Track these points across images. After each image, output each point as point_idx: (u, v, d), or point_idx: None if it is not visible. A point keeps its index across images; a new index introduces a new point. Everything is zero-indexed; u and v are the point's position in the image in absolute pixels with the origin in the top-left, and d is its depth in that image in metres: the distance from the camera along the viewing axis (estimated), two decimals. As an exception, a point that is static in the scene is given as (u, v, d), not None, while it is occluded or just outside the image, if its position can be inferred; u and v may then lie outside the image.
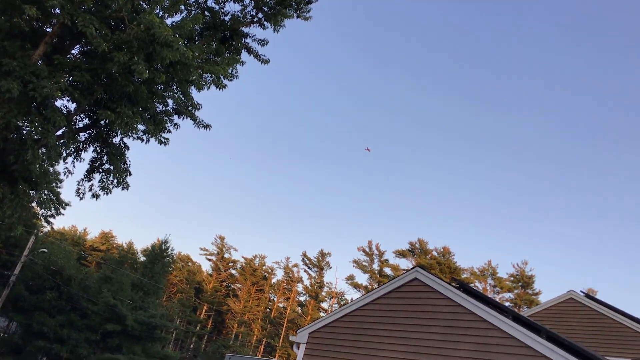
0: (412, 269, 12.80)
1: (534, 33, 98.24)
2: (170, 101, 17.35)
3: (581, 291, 21.43)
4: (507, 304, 61.82)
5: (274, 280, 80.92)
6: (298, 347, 13.71)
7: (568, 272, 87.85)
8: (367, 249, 69.48)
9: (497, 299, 62.99)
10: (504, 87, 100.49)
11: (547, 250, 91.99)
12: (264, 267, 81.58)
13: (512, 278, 63.50)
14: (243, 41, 18.75)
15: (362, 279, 71.29)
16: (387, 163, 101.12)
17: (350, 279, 70.14)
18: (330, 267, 75.21)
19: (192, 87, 17.04)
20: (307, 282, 75.59)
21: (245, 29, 18.55)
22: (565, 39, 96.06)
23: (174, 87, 16.91)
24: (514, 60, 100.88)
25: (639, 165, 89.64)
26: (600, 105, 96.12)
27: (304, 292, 75.98)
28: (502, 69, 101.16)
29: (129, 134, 16.46)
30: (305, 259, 74.62)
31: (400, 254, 67.82)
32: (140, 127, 16.35)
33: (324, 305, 73.06)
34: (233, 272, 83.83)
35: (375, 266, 68.85)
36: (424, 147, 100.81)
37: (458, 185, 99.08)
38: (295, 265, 77.49)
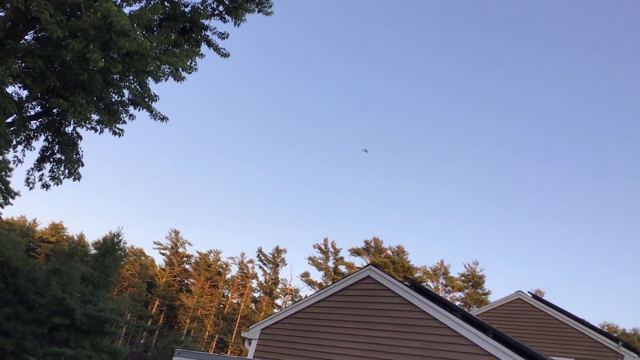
0: (365, 267, 12.91)
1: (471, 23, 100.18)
2: (126, 92, 17.03)
3: (529, 292, 22.03)
4: (457, 303, 62.97)
5: (228, 276, 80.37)
6: (250, 343, 13.67)
7: (518, 273, 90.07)
8: (323, 247, 69.72)
9: (448, 298, 64.11)
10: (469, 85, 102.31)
11: (498, 251, 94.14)
12: (219, 263, 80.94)
13: (463, 278, 64.72)
14: (203, 34, 18.54)
15: (317, 276, 71.37)
16: (344, 161, 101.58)
17: (305, 276, 70.26)
18: (286, 264, 75.24)
19: (150, 78, 16.77)
20: (261, 279, 75.37)
21: (206, 22, 18.35)
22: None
23: (131, 77, 16.60)
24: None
25: (585, 168, 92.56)
26: (549, 113, 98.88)
27: (258, 289, 75.71)
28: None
29: (82, 123, 16.11)
30: (260, 255, 74.38)
31: (356, 252, 68.30)
32: (94, 117, 16.01)
33: (278, 302, 73.02)
34: (187, 267, 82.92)
35: (331, 264, 69.16)
36: (382, 147, 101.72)
37: (414, 185, 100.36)
38: (251, 261, 77.17)
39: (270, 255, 74.11)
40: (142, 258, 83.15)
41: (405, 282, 14.04)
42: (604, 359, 18.89)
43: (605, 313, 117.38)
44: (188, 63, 17.52)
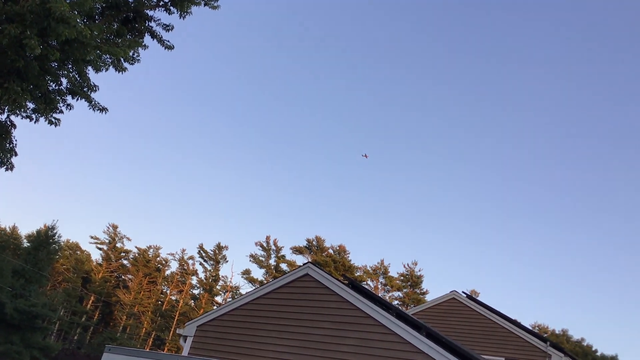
0: (304, 264, 13.00)
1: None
2: (64, 80, 16.51)
3: (463, 292, 22.63)
4: (396, 302, 64.02)
5: (167, 272, 79.07)
6: (185, 340, 13.54)
7: (456, 274, 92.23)
8: (265, 244, 69.50)
9: (387, 297, 65.11)
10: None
11: (437, 252, 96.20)
12: (158, 259, 79.47)
13: (402, 277, 65.83)
14: (147, 24, 18.16)
15: (258, 274, 71.10)
16: (287, 158, 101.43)
17: (247, 273, 69.87)
18: (227, 261, 74.65)
19: (90, 68, 16.32)
20: (202, 275, 74.46)
21: (150, 12, 17.98)
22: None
23: (70, 65, 16.12)
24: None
25: (518, 171, 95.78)
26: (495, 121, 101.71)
27: (198, 286, 74.79)
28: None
29: (17, 111, 15.51)
30: (201, 251, 73.47)
31: (297, 250, 68.42)
32: (30, 105, 15.45)
33: (218, 299, 72.33)
34: (125, 262, 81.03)
35: (272, 262, 69.03)
36: (325, 144, 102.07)
37: (357, 183, 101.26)
38: (191, 258, 76.07)
39: (212, 252, 73.36)
40: (78, 253, 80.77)
41: (344, 281, 14.22)
42: (533, 358, 19.60)
43: (537, 314, 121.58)
44: (130, 54, 17.12)
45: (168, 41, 18.59)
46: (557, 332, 68.57)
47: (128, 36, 17.76)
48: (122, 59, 16.56)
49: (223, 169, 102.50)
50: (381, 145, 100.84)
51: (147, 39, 18.40)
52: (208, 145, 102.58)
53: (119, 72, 16.89)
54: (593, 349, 65.43)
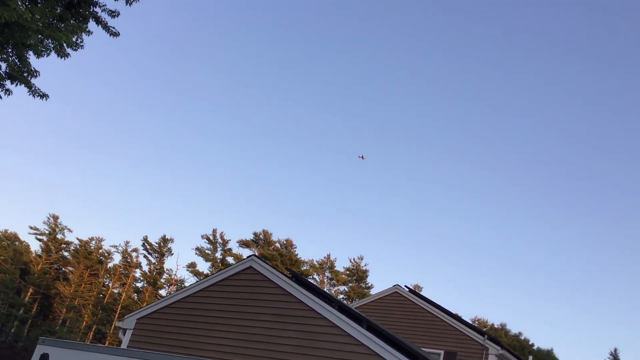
0: (248, 257, 12.99)
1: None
2: (3, 65, 15.93)
3: (406, 286, 23.06)
4: (341, 296, 64.60)
5: (110, 265, 77.31)
6: (124, 333, 13.32)
7: (401, 268, 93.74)
8: (212, 237, 68.81)
9: (333, 292, 65.61)
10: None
11: (383, 246, 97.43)
12: (101, 251, 77.60)
13: (348, 272, 66.46)
14: (92, 9, 17.70)
15: (204, 267, 70.52)
16: (235, 151, 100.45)
17: (192, 266, 69.04)
18: (172, 254, 73.39)
19: (30, 52, 15.81)
20: (146, 268, 73.12)
21: (95, -2, 17.53)
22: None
23: (9, 49, 15.57)
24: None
25: (462, 169, 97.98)
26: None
27: (142, 279, 73.44)
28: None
29: (-48, 95, 14.89)
30: (146, 244, 72.08)
31: (244, 244, 68.07)
32: (-34, 89, 14.85)
33: (162, 292, 71.21)
34: (66, 254, 78.78)
35: (219, 255, 68.45)
36: (274, 137, 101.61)
37: (305, 178, 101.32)
38: (135, 250, 74.52)
39: (156, 245, 72.12)
40: (16, 243, 78.07)
41: (287, 274, 14.27)
42: (471, 351, 20.17)
43: (478, 309, 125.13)
44: (74, 39, 16.66)
45: (113, 27, 18.16)
46: (496, 326, 70.63)
47: (72, 21, 17.28)
48: (65, 44, 16.12)
49: (169, 159, 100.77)
50: (332, 143, 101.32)
51: (92, 25, 17.96)
52: (154, 134, 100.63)
53: (61, 57, 16.42)
54: (530, 342, 67.73)
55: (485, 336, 20.32)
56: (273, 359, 11.22)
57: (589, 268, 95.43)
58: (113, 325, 67.21)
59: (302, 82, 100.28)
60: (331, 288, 66.37)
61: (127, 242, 75.88)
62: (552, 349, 65.57)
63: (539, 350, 64.75)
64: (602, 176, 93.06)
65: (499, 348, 19.81)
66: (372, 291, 61.95)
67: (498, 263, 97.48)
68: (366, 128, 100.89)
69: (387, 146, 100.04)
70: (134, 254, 75.23)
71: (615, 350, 72.73)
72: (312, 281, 64.27)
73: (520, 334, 70.08)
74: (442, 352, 20.38)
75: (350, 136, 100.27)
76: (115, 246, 76.75)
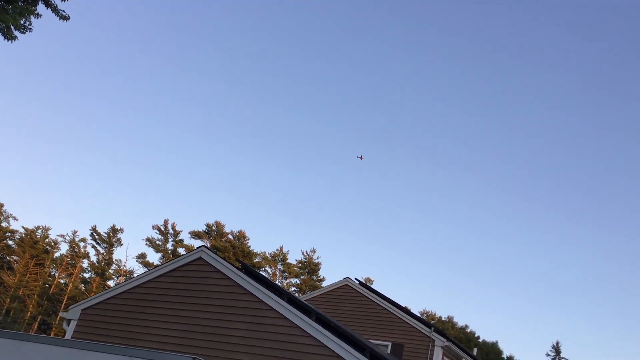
0: (197, 248, 12.89)
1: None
2: (-56, 45, 15.33)
3: (356, 279, 23.30)
4: (293, 289, 64.76)
5: (57, 255, 75.35)
6: (68, 324, 13.04)
7: (353, 261, 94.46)
8: (163, 228, 67.86)
9: (285, 284, 65.70)
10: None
11: (336, 240, 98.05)
12: (47, 240, 75.53)
13: (300, 264, 66.65)
14: (40, -9, 17.19)
15: (155, 258, 69.16)
16: (188, 141, 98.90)
17: (142, 257, 67.98)
18: (122, 244, 72.06)
19: (-26, 34, 15.24)
20: (94, 259, 71.60)
21: (44, -20, 17.03)
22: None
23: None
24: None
25: (414, 166, 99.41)
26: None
27: (89, 269, 71.88)
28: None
29: None
30: (94, 233, 70.50)
31: (196, 235, 67.41)
32: None
33: (111, 283, 69.80)
34: (10, 242, 76.35)
35: (170, 246, 67.59)
36: (228, 127, 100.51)
37: (259, 171, 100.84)
38: (83, 240, 72.85)
39: (105, 235, 70.68)
40: (-43, 232, 75.27)
41: (237, 265, 14.23)
42: (418, 343, 20.57)
43: (426, 301, 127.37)
44: (22, 22, 16.17)
45: (63, 11, 17.69)
46: (443, 318, 72.08)
47: (20, 3, 16.75)
48: (12, 27, 15.61)
49: (120, 148, 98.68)
50: (286, 136, 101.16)
51: (41, 8, 17.45)
52: (104, 121, 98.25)
53: (8, 40, 15.90)
54: (476, 335, 69.43)
55: (432, 328, 20.74)
56: (221, 350, 11.19)
57: (533, 263, 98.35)
58: (58, 316, 65.63)
59: (246, 67, 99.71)
60: (283, 280, 66.45)
61: (75, 232, 74.15)
62: (496, 342, 67.32)
63: (484, 342, 66.39)
64: (547, 170, 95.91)
65: (444, 340, 20.25)
66: (324, 284, 62.28)
67: (447, 257, 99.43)
68: (316, 119, 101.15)
69: (342, 139, 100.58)
70: (81, 244, 73.59)
71: (557, 343, 75.35)
72: (264, 273, 64.25)
73: (466, 326, 71.74)
74: (389, 343, 20.70)
75: (304, 128, 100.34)
76: (62, 235, 74.92)
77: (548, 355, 75.56)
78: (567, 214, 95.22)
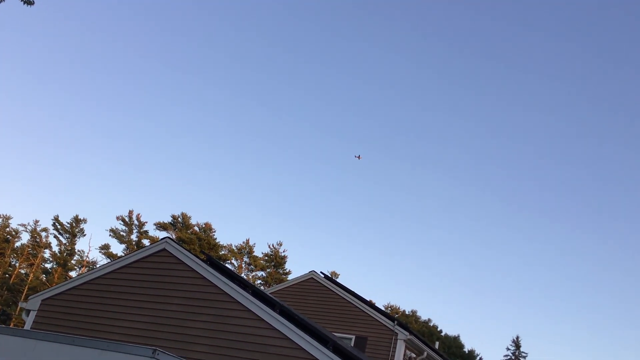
0: (161, 239, 12.79)
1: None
2: None
3: (321, 272, 23.41)
4: (259, 282, 64.70)
5: (17, 244, 73.82)
6: (28, 315, 12.82)
7: (320, 255, 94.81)
8: (127, 219, 67.02)
9: (251, 277, 65.60)
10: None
11: (303, 233, 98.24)
12: (8, 229, 73.90)
13: (266, 257, 66.59)
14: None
15: (118, 249, 68.22)
16: (153, 131, 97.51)
17: (105, 248, 67.07)
18: (85, 235, 70.92)
19: None
20: (56, 249, 70.30)
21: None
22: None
23: None
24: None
25: (379, 162, 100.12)
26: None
27: (51, 259, 70.60)
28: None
29: None
30: (57, 223, 69.21)
31: (162, 226, 66.76)
32: None
33: (73, 274, 68.70)
34: (-32, 232, 74.56)
35: (134, 237, 66.83)
36: (194, 117, 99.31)
37: (225, 162, 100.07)
38: (45, 230, 71.46)
39: (68, 225, 69.48)
40: None
41: (202, 257, 14.16)
42: (381, 336, 20.80)
43: (391, 296, 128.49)
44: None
45: (27, -6, 17.31)
46: (407, 312, 72.90)
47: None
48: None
49: (83, 136, 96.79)
50: (252, 127, 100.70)
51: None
52: (67, 111, 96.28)
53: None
54: (438, 329, 70.44)
55: (395, 322, 20.98)
56: (184, 342, 11.15)
57: (495, 258, 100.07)
58: (18, 307, 64.35)
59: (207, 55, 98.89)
60: (249, 273, 66.32)
61: (37, 221, 72.69)
62: (458, 336, 68.44)
63: (446, 336, 67.40)
64: (513, 165, 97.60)
65: (407, 333, 20.51)
66: (290, 277, 62.39)
67: (412, 252, 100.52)
68: (283, 110, 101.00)
69: (310, 133, 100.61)
70: (43, 234, 72.22)
71: (517, 337, 77.03)
72: (230, 266, 64.01)
73: (430, 320, 72.74)
74: (353, 336, 20.88)
75: (271, 120, 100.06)
76: (23, 225, 73.39)
77: (508, 349, 77.19)
78: (529, 209, 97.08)
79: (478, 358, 68.70)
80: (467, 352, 67.23)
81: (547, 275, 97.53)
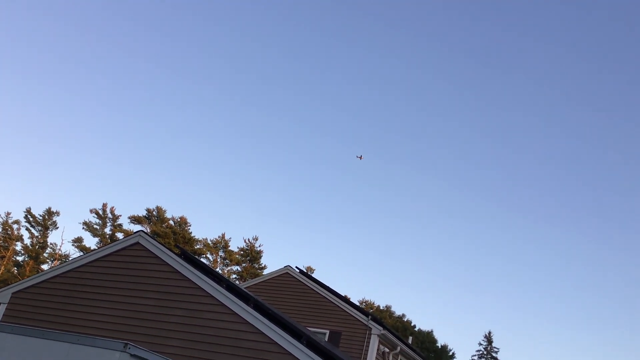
0: (135, 233, 12.69)
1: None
2: None
3: (297, 267, 23.45)
4: (234, 276, 64.53)
5: (-12, 237, 72.63)
6: (-2, 308, 12.63)
7: (296, 250, 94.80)
8: (101, 212, 66.31)
9: (226, 271, 65.39)
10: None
11: (279, 228, 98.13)
12: (-22, 222, 72.67)
13: (242, 252, 66.45)
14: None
15: (92, 242, 67.41)
16: (128, 123, 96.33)
17: (78, 241, 66.28)
18: (57, 228, 69.98)
19: None
20: (28, 242, 69.25)
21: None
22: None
23: None
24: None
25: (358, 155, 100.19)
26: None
27: (23, 252, 69.54)
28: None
29: None
30: (29, 215, 68.17)
31: (136, 220, 66.19)
32: None
33: (45, 267, 67.78)
34: (-62, 224, 73.03)
35: (108, 230, 66.16)
36: (168, 109, 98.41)
37: (200, 155, 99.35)
38: (17, 222, 70.33)
39: (40, 217, 68.49)
40: None
41: (177, 251, 14.09)
42: (355, 331, 20.93)
43: (366, 291, 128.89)
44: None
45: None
46: (382, 307, 73.38)
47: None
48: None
49: (55, 128, 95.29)
50: (228, 120, 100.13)
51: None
52: (41, 99, 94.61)
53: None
54: (412, 324, 71.04)
55: (369, 317, 21.12)
56: (157, 337, 11.08)
57: (468, 254, 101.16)
58: (-12, 301, 63.23)
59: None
60: (224, 268, 66.12)
61: (8, 214, 71.39)
62: (432, 331, 69.09)
63: (419, 331, 67.99)
64: (485, 160, 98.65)
65: (381, 328, 20.66)
66: (266, 272, 62.34)
67: (388, 247, 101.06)
68: (259, 105, 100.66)
69: (285, 126, 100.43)
70: (15, 226, 71.03)
71: (490, 333, 78.10)
72: (205, 261, 63.74)
73: (404, 315, 73.30)
74: (327, 331, 20.97)
75: (246, 113, 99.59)
76: (-6, 217, 72.12)
77: (480, 344, 78.25)
78: (504, 205, 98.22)
79: (451, 353, 69.44)
80: (440, 347, 67.93)
81: (520, 272, 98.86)
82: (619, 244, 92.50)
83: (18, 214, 79.61)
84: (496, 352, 77.32)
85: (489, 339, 77.97)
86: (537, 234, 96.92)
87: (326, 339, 20.63)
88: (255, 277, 58.96)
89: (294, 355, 10.10)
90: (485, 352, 77.45)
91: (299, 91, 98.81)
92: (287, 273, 23.25)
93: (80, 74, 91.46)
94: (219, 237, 67.05)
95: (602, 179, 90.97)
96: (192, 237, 65.00)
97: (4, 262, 69.71)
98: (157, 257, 12.02)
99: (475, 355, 77.73)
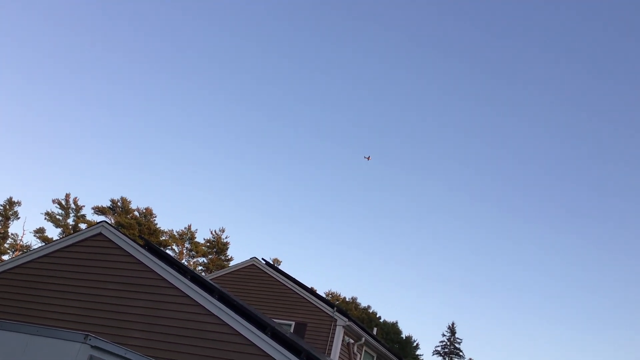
0: (98, 223, 12.51)
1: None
2: None
3: (263, 259, 23.42)
4: (200, 268, 64.10)
5: (-54, 227, 70.67)
6: (-46, 299, 12.32)
7: (262, 242, 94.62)
8: (64, 202, 65.05)
9: (192, 263, 64.92)
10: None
11: (246, 220, 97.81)
12: None
13: (208, 244, 66.03)
14: None
15: (54, 233, 66.11)
16: (89, 113, 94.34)
17: (40, 232, 64.94)
18: (19, 218, 68.45)
19: None
20: (-12, 232, 67.67)
21: None
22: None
23: None
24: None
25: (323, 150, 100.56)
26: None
27: (-18, 243, 67.96)
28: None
29: None
30: (-12, 205, 66.71)
31: (100, 210, 65.17)
32: None
33: (5, 258, 66.38)
34: None
35: (71, 221, 64.97)
36: (134, 100, 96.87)
37: (166, 146, 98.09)
38: (-24, 213, 68.74)
39: (1, 207, 66.88)
40: None
41: (140, 242, 13.94)
42: (321, 322, 21.01)
43: (332, 283, 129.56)
44: None
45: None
46: (347, 299, 73.85)
47: None
48: None
49: (17, 116, 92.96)
50: (197, 109, 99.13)
51: None
52: (2, 91, 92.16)
53: None
54: (377, 315, 71.72)
55: (335, 308, 21.23)
56: (119, 328, 10.97)
57: (432, 245, 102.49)
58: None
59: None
60: (190, 259, 65.62)
61: (-33, 204, 69.63)
62: (396, 322, 69.86)
63: (385, 322, 68.69)
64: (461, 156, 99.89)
65: (346, 320, 20.80)
66: (232, 263, 62.09)
67: (354, 239, 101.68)
68: (225, 91, 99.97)
69: (255, 116, 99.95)
70: (-26, 217, 69.27)
71: (453, 324, 79.39)
72: (170, 252, 63.15)
73: (369, 307, 73.90)
74: (293, 323, 21.02)
75: (216, 102, 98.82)
76: (-48, 207, 70.17)
77: (444, 335, 79.57)
78: (468, 195, 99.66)
79: (415, 344, 70.38)
80: (404, 337, 68.76)
81: (483, 263, 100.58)
82: (586, 234, 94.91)
83: (-23, 204, 77.59)
84: (459, 343, 78.71)
85: (452, 330, 79.29)
86: (499, 225, 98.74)
87: (292, 330, 20.69)
88: (221, 269, 58.75)
89: (257, 346, 10.11)
90: (448, 343, 78.76)
91: (272, 81, 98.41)
92: (253, 265, 23.21)
93: (42, 62, 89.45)
94: (185, 228, 66.53)
95: (578, 175, 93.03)
96: (157, 228, 64.31)
97: (-37, 253, 67.98)
98: (119, 247, 11.88)
99: (438, 345, 78.98)
